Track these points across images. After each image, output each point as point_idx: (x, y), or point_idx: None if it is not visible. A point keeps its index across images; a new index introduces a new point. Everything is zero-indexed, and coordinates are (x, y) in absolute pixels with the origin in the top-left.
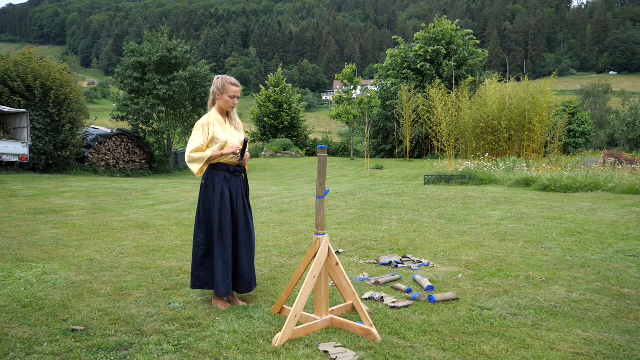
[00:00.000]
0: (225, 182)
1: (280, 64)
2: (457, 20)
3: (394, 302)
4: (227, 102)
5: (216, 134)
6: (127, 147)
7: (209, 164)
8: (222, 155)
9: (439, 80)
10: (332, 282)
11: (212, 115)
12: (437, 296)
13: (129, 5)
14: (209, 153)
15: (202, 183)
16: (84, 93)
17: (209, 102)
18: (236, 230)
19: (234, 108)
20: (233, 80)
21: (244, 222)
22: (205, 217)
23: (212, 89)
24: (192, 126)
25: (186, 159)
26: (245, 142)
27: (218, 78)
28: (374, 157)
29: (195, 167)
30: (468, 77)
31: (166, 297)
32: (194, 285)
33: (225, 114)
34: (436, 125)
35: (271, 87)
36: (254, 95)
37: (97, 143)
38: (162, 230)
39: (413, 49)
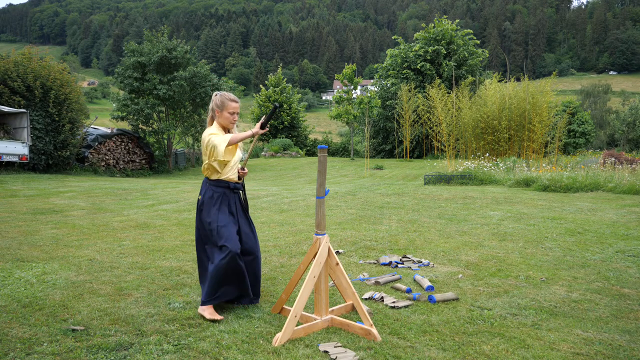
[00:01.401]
0: (224, 198)
1: (280, 64)
2: (457, 20)
3: (394, 302)
4: (228, 118)
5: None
6: (127, 147)
7: (209, 180)
8: (251, 135)
9: (439, 80)
10: (332, 282)
11: (213, 130)
12: (437, 296)
13: (129, 5)
14: (229, 135)
15: (198, 199)
16: (84, 93)
17: (208, 120)
18: (241, 243)
19: (234, 124)
20: (232, 96)
21: (249, 231)
22: (205, 232)
23: (211, 106)
24: (193, 126)
25: (214, 142)
26: (275, 108)
27: (216, 95)
28: (374, 157)
29: (223, 145)
30: (468, 77)
31: (166, 297)
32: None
33: (226, 131)
34: (436, 125)
35: (271, 87)
36: (254, 95)
37: (97, 143)
38: (162, 231)
39: (413, 49)
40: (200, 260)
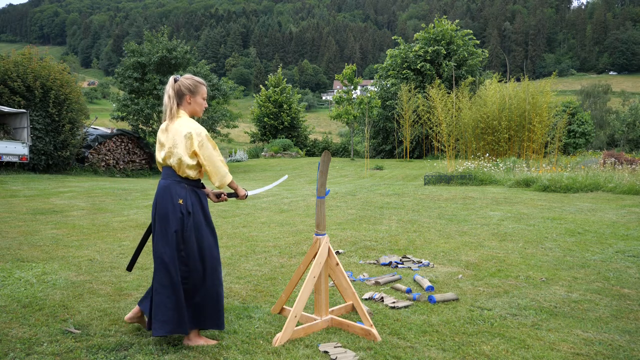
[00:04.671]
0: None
1: (280, 64)
2: (457, 21)
3: (394, 302)
4: (201, 105)
5: None
6: (127, 148)
7: (189, 183)
8: (242, 196)
9: (439, 81)
10: (332, 282)
11: (195, 124)
12: (437, 296)
13: (129, 5)
14: (230, 176)
15: (179, 203)
16: (84, 93)
17: (172, 106)
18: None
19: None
20: (200, 79)
21: None
22: (216, 249)
23: (178, 89)
24: None
25: (222, 173)
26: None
27: (186, 77)
28: (374, 158)
29: (227, 174)
30: (468, 77)
31: None
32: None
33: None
34: (436, 126)
35: (271, 88)
36: (254, 95)
37: (97, 143)
38: None
39: (413, 49)
40: (213, 285)
